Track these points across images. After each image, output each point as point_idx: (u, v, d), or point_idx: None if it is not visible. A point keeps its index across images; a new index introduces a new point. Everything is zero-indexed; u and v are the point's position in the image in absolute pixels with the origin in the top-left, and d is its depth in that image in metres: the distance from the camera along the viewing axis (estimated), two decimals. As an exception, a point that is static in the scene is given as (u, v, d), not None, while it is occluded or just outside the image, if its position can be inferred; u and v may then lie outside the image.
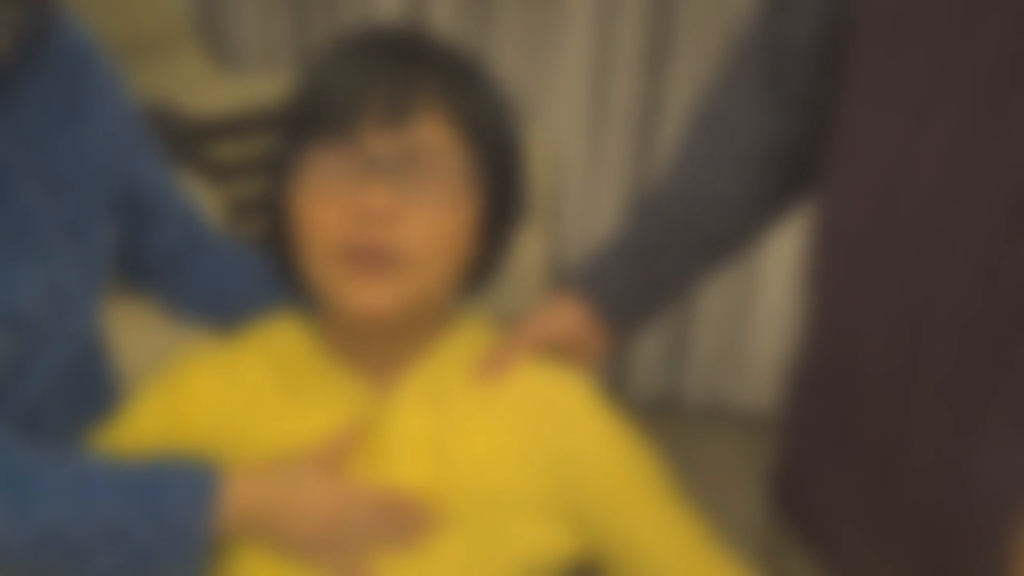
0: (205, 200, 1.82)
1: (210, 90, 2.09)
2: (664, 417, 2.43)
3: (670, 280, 0.91)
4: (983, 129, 0.67)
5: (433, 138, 0.68)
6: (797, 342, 0.91)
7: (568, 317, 0.87)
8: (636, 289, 0.90)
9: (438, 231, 0.69)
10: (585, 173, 2.33)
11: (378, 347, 0.75)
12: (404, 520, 0.71)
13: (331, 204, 0.68)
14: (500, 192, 0.74)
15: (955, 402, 0.72)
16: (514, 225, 0.77)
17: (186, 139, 1.89)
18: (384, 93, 0.67)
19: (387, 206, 0.66)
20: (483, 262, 0.76)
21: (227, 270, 0.94)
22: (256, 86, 2.06)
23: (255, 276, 0.91)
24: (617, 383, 2.47)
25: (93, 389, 0.86)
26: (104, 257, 0.82)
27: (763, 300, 2.35)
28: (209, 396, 0.77)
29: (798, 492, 0.91)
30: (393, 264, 0.68)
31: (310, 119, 0.69)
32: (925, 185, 0.71)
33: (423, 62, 0.70)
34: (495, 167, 0.73)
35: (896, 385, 0.75)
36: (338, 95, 0.68)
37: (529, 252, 2.05)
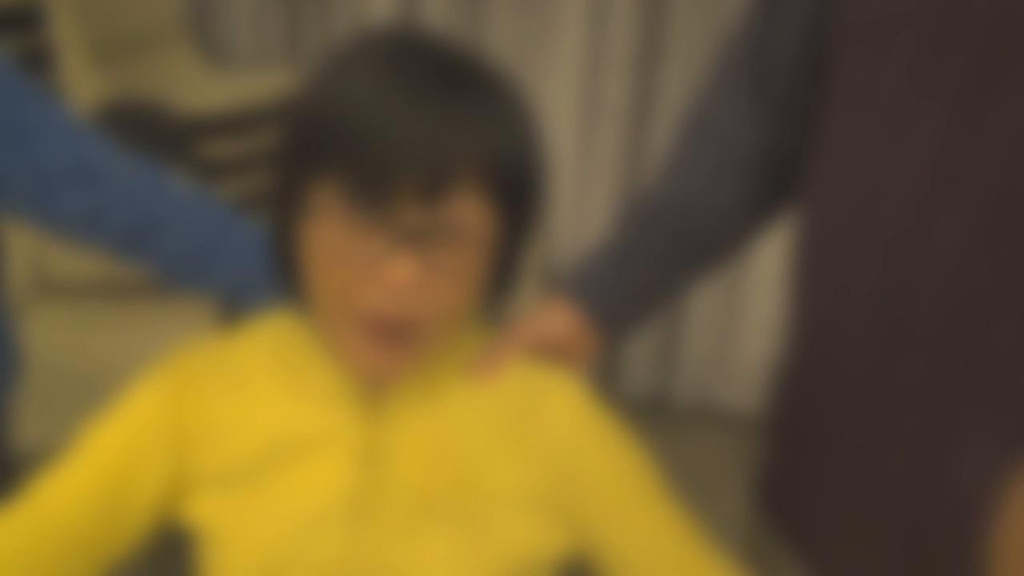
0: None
1: (202, 88, 2.09)
2: (654, 417, 2.44)
3: (659, 284, 0.92)
4: (960, 137, 0.68)
5: (466, 211, 0.64)
6: (782, 345, 0.92)
7: (559, 320, 0.88)
8: (625, 293, 0.90)
9: (458, 298, 0.67)
10: (576, 174, 2.34)
11: None
12: None
13: (351, 269, 0.65)
14: (519, 223, 0.71)
15: (932, 403, 0.73)
16: (528, 245, 0.76)
17: (178, 137, 1.89)
18: (423, 167, 0.61)
19: (414, 281, 0.63)
20: (499, 284, 0.75)
21: (217, 239, 0.95)
22: (248, 84, 2.06)
23: (237, 239, 0.92)
24: (608, 383, 2.48)
25: None
26: None
27: (752, 303, 2.36)
28: (209, 394, 0.77)
29: (783, 492, 0.92)
30: (413, 335, 0.67)
31: (333, 167, 0.63)
32: (903, 191, 0.72)
33: (464, 117, 0.63)
34: (518, 207, 0.69)
35: (875, 386, 0.76)
36: (368, 156, 0.61)
37: (520, 252, 2.06)
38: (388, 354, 0.67)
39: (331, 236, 0.65)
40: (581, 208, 2.36)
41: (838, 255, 0.78)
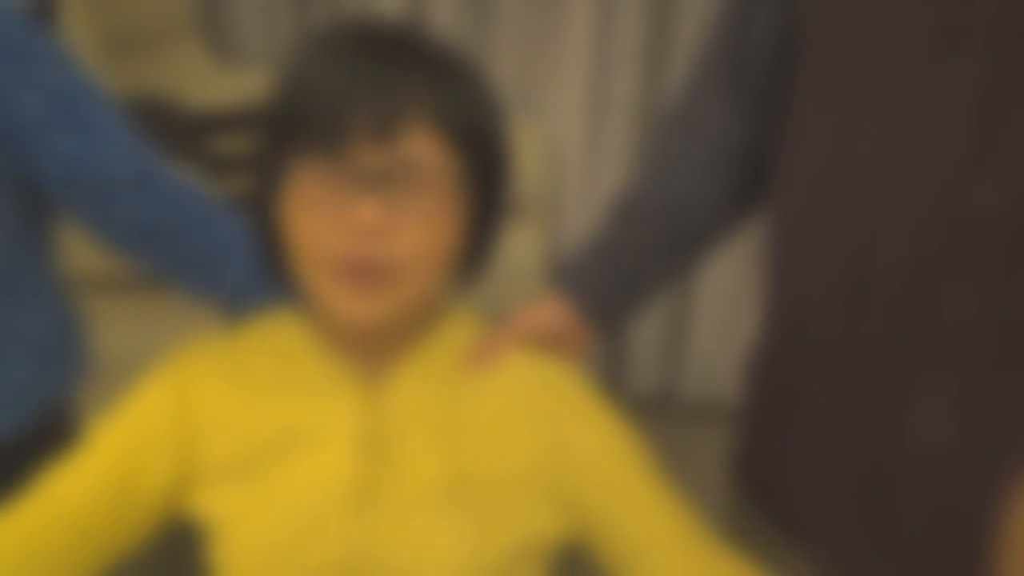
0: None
1: (211, 84, 2.10)
2: (661, 413, 2.44)
3: (649, 278, 0.95)
4: (909, 121, 0.74)
5: (422, 150, 0.67)
6: (756, 329, 0.96)
7: (553, 312, 0.90)
8: (617, 287, 0.94)
9: (428, 242, 0.69)
10: (584, 170, 2.34)
11: (372, 343, 0.77)
12: None
13: (321, 217, 0.67)
14: (488, 189, 0.74)
15: (891, 363, 0.78)
16: (502, 218, 0.78)
17: (186, 133, 1.89)
18: (372, 106, 0.65)
19: (378, 221, 0.66)
20: (473, 256, 0.77)
21: (221, 242, 0.96)
22: (257, 81, 2.06)
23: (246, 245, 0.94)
24: (614, 379, 2.48)
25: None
26: None
27: (759, 299, 2.35)
28: (213, 389, 0.78)
29: (759, 469, 0.96)
30: (385, 277, 0.68)
31: (295, 128, 0.68)
32: (860, 171, 0.77)
33: (412, 68, 0.68)
34: (483, 167, 0.73)
35: (841, 351, 0.81)
36: (324, 106, 0.66)
37: (526, 248, 2.06)
38: (364, 299, 0.69)
39: (303, 195, 0.68)
40: (588, 204, 2.36)
41: (805, 231, 0.83)
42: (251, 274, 0.94)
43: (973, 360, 0.75)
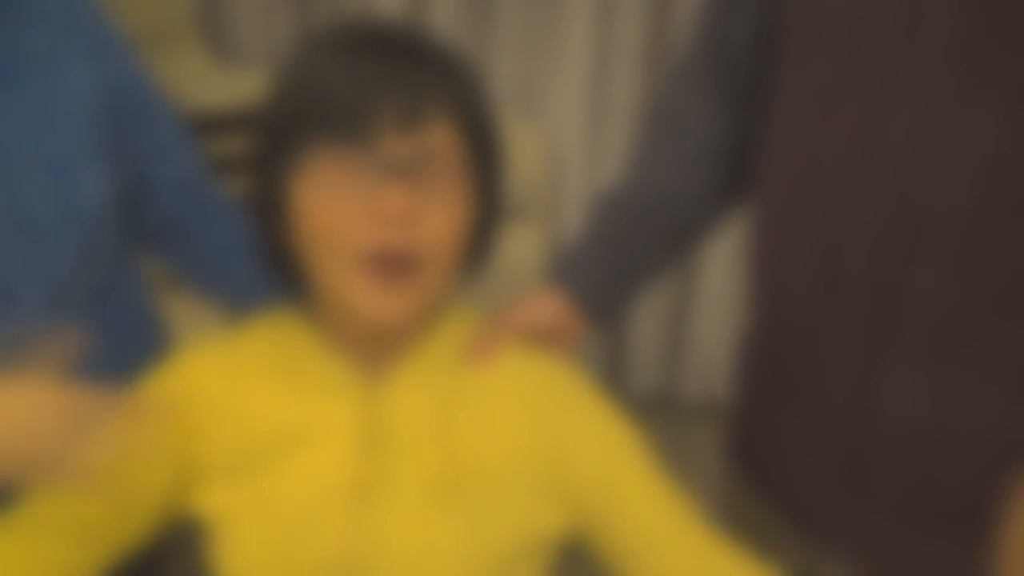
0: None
1: (211, 85, 2.10)
2: (661, 412, 2.44)
3: (639, 269, 0.97)
4: (876, 117, 0.77)
5: (442, 139, 0.70)
6: (742, 321, 0.99)
7: (548, 307, 0.92)
8: (608, 279, 0.95)
9: (449, 228, 0.71)
10: (583, 169, 2.34)
11: (375, 341, 0.77)
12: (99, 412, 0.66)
13: (347, 208, 0.68)
14: (490, 187, 0.76)
15: (865, 345, 0.81)
16: (501, 213, 0.79)
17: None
18: (398, 97, 0.67)
19: (406, 208, 0.67)
20: (475, 254, 0.78)
21: (235, 244, 0.97)
22: (257, 81, 2.06)
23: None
24: (614, 378, 2.48)
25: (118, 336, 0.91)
26: (91, 199, 0.84)
27: (760, 297, 2.35)
28: (213, 387, 0.78)
29: (755, 451, 0.98)
30: (414, 267, 0.69)
31: (316, 121, 0.69)
32: (833, 166, 0.80)
33: (427, 61, 0.71)
34: (486, 158, 0.75)
35: (818, 336, 0.85)
36: (350, 99, 0.67)
37: (526, 247, 2.07)
38: (392, 291, 0.70)
39: (323, 186, 0.69)
40: (588, 203, 2.36)
41: (784, 223, 0.87)
42: (253, 273, 0.95)
43: (943, 340, 0.78)
